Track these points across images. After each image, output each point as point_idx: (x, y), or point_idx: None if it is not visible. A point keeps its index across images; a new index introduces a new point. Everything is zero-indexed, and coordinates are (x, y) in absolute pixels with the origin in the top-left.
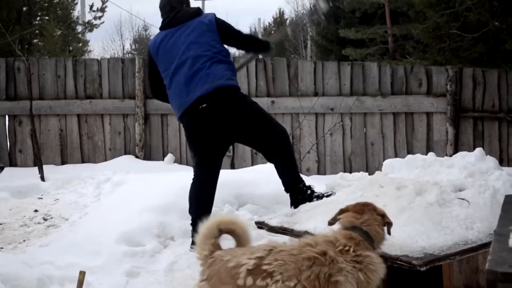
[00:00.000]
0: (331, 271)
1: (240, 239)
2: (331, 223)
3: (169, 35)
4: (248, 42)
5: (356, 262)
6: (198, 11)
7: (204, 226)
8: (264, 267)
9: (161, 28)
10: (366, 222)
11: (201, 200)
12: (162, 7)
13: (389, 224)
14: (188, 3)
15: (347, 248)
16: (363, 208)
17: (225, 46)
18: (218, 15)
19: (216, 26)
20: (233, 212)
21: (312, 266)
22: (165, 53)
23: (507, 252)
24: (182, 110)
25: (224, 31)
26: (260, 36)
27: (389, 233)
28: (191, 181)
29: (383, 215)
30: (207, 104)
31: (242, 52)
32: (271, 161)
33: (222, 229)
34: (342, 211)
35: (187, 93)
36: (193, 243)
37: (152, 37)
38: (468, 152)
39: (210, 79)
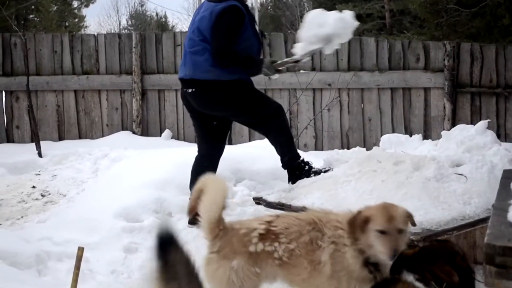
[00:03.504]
0: (319, 237)
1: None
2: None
3: (200, 9)
4: (214, 47)
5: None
6: (217, 1)
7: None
8: (273, 229)
9: None
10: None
11: (199, 175)
12: None
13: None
14: None
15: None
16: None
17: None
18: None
19: (215, 19)
20: (230, 188)
21: (311, 231)
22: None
23: (506, 226)
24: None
25: (213, 27)
26: (257, 12)
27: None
28: (191, 156)
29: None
30: (192, 91)
31: None
32: (267, 138)
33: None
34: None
35: (181, 70)
36: (190, 219)
37: (148, 13)
38: (466, 125)
39: (191, 67)
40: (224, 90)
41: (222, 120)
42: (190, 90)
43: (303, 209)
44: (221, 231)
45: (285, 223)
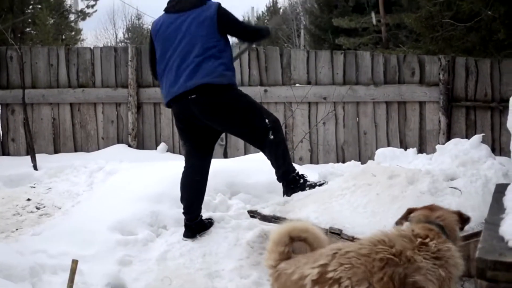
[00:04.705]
0: (406, 271)
1: (313, 247)
2: (399, 223)
3: (170, 20)
4: (246, 32)
5: (436, 258)
6: (202, 0)
7: (275, 232)
8: (330, 275)
9: (165, 10)
10: (441, 217)
11: (192, 188)
12: None
13: (466, 220)
14: None
15: (427, 240)
16: (434, 207)
17: (225, 36)
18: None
19: (217, 18)
20: (225, 202)
21: (384, 267)
22: (164, 38)
23: (497, 240)
24: (169, 98)
25: (223, 23)
26: (253, 23)
27: (462, 230)
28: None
29: (458, 212)
30: (196, 96)
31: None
32: (263, 152)
33: (294, 237)
34: (411, 210)
35: (175, 85)
36: (185, 232)
37: (145, 26)
38: (461, 139)
39: (198, 75)
40: (233, 92)
41: (211, 132)
42: (194, 96)
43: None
44: (276, 273)
45: (345, 264)
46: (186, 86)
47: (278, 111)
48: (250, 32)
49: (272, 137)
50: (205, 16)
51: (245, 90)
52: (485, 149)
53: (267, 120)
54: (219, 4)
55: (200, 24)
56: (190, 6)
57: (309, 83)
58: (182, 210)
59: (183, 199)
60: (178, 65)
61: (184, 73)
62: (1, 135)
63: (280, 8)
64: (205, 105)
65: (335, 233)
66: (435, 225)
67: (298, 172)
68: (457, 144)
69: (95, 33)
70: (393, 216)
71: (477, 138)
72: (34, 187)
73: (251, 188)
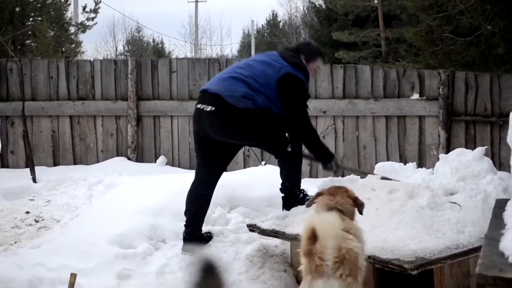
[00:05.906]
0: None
1: None
2: (309, 205)
3: (269, 54)
4: (293, 113)
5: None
6: (291, 64)
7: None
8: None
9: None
10: (339, 203)
11: (197, 202)
12: (300, 43)
13: (360, 206)
14: (307, 56)
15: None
16: (336, 191)
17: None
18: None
19: (279, 78)
20: (225, 215)
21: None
22: (253, 58)
23: (497, 256)
24: (202, 88)
25: (281, 87)
26: (253, 39)
27: (360, 213)
28: (186, 183)
29: (354, 198)
30: (210, 109)
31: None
32: (278, 159)
33: None
34: (318, 194)
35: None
36: (184, 246)
37: (145, 39)
38: (465, 149)
39: (222, 84)
40: (250, 115)
41: (224, 148)
42: (209, 109)
43: (297, 237)
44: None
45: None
46: (209, 87)
47: None
48: (299, 120)
49: (289, 149)
50: (279, 68)
51: None
52: (487, 162)
53: (287, 134)
54: (291, 75)
55: (268, 65)
56: (284, 57)
57: (308, 97)
58: (184, 223)
59: (187, 211)
60: (224, 73)
61: (219, 80)
62: (0, 147)
63: (280, 22)
64: (218, 121)
65: None
66: (335, 209)
67: (299, 188)
68: (460, 155)
69: (95, 45)
70: (392, 230)
71: (480, 150)
72: (33, 199)
73: (251, 202)
